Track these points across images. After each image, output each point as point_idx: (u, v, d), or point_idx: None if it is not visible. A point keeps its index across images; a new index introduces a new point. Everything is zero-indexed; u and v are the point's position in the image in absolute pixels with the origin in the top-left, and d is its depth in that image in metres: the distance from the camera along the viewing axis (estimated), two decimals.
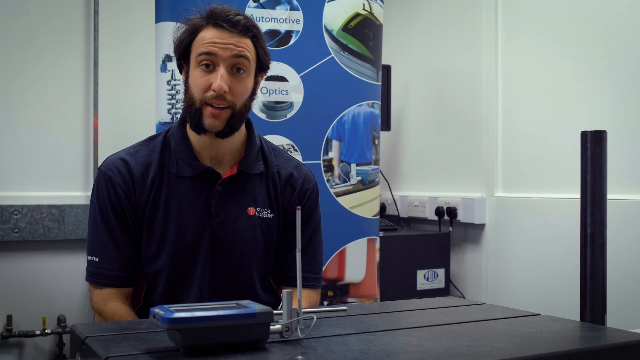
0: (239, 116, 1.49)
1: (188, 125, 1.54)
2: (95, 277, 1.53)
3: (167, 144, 1.56)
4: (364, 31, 2.49)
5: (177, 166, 1.53)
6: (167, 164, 1.54)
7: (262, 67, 1.55)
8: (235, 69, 1.47)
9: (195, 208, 1.53)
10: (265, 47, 1.55)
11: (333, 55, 2.44)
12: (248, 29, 1.48)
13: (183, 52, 1.51)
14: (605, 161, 1.34)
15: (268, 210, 1.58)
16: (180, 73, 1.56)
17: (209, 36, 1.46)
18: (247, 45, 1.48)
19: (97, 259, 1.52)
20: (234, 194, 1.55)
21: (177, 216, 1.52)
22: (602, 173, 1.34)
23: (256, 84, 1.55)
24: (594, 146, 1.33)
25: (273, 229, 1.60)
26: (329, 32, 2.44)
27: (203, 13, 1.50)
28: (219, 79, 1.43)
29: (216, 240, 1.54)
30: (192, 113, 1.48)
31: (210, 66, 1.46)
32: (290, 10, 2.40)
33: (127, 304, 1.55)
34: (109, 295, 1.52)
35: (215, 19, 1.46)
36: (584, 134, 1.35)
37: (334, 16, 2.44)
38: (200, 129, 1.49)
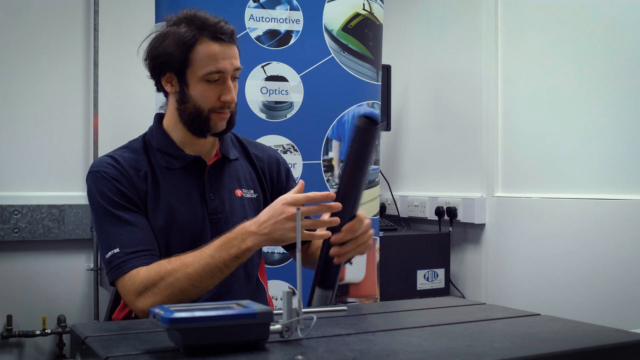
0: (234, 115, 1.60)
1: (164, 123, 1.61)
2: (121, 266, 1.44)
3: (148, 145, 1.61)
4: (364, 31, 2.49)
5: (166, 160, 1.58)
6: (154, 160, 1.58)
7: None
8: (232, 78, 1.56)
9: (192, 196, 1.57)
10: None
11: (333, 55, 2.44)
12: (234, 34, 1.55)
13: (178, 65, 1.52)
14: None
15: (252, 191, 1.66)
16: (160, 82, 1.59)
17: (213, 52, 1.50)
18: (237, 54, 1.56)
19: (117, 250, 1.46)
20: (222, 177, 1.62)
21: (177, 206, 1.55)
22: None
23: None
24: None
25: (260, 208, 1.63)
26: (329, 32, 2.44)
27: (190, 21, 1.50)
28: (230, 91, 1.53)
29: (215, 225, 1.58)
30: (198, 122, 1.55)
31: (217, 80, 1.52)
32: (290, 10, 2.40)
33: None
34: (138, 270, 1.44)
35: (213, 32, 1.50)
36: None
37: (334, 16, 2.44)
38: (205, 133, 1.57)
